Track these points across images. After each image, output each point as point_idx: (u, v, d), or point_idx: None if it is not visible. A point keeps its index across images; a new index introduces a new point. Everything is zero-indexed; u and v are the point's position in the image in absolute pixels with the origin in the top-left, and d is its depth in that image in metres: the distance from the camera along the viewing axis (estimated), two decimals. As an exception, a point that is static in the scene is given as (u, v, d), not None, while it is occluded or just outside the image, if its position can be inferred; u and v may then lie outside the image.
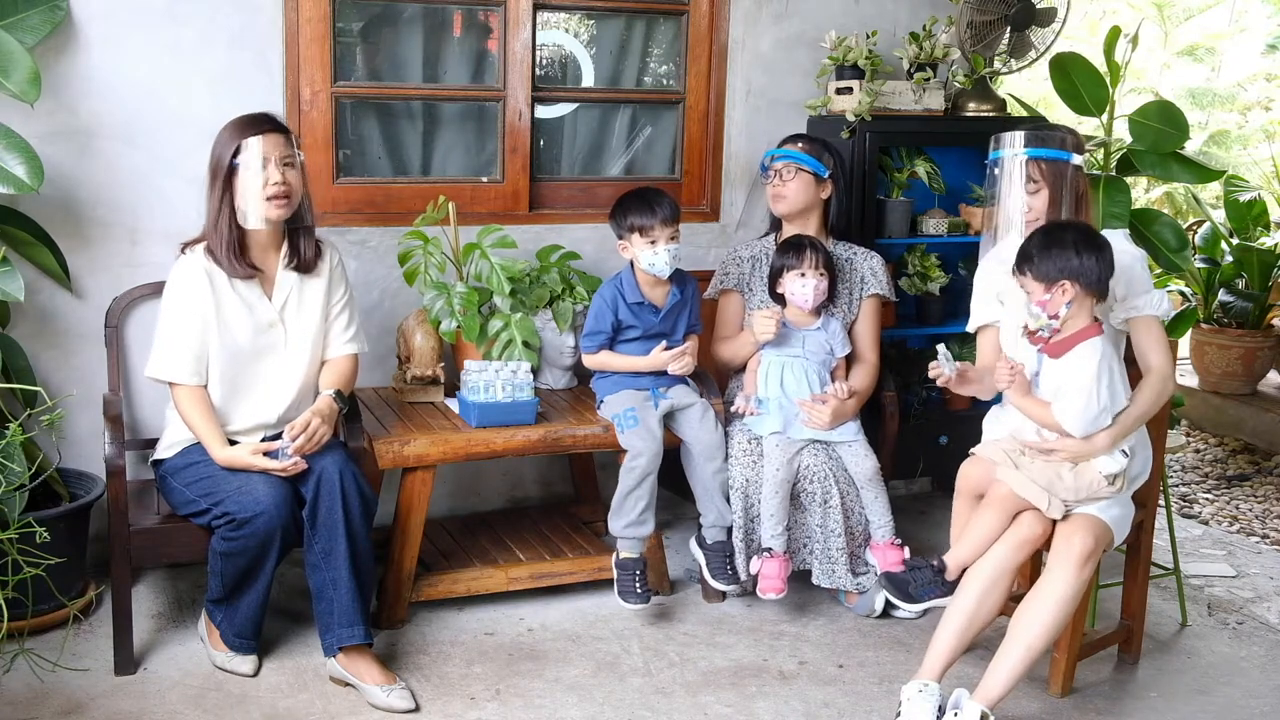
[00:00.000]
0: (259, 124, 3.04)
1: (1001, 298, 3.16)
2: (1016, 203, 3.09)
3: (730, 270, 3.85)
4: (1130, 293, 3.01)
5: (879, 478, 3.52)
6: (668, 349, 3.55)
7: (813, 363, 3.58)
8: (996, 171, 3.13)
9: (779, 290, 3.60)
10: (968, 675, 3.01)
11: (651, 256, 3.50)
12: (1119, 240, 3.10)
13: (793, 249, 3.57)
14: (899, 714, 2.85)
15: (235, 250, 3.06)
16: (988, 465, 3.02)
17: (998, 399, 3.23)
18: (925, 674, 2.88)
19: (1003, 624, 2.95)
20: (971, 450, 3.12)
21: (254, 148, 3.00)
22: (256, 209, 3.02)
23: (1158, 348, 3.01)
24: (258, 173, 3.00)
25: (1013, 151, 3.08)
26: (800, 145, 3.74)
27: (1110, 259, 2.85)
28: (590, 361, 3.65)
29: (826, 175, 3.74)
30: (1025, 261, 2.87)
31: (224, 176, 3.02)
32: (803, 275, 3.53)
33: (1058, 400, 2.88)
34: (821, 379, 3.58)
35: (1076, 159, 3.08)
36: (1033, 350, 2.96)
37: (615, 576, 3.46)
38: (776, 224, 3.89)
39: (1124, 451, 2.93)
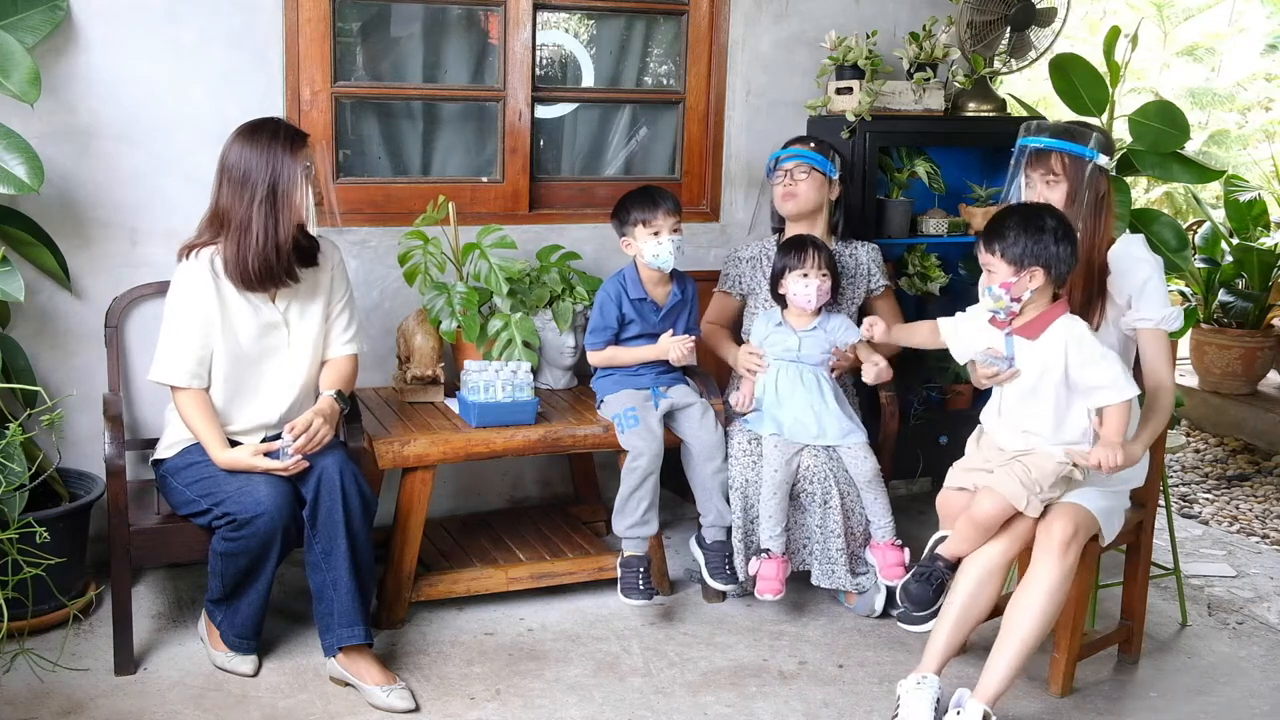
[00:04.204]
0: (298, 137, 3.04)
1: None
2: (1033, 193, 3.06)
3: (729, 272, 3.86)
4: (1147, 303, 3.00)
5: (879, 479, 3.52)
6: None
7: (808, 365, 3.56)
8: (1018, 159, 3.09)
9: (780, 291, 3.59)
10: (970, 676, 3.01)
11: (655, 247, 3.50)
12: (1138, 246, 3.08)
13: (794, 249, 3.55)
14: (897, 707, 2.86)
15: (288, 262, 3.05)
16: (956, 492, 3.02)
17: (988, 395, 3.19)
18: (924, 668, 2.90)
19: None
20: (945, 486, 3.08)
21: (311, 163, 3.03)
22: (312, 218, 3.07)
23: (1167, 363, 3.03)
24: (308, 186, 3.03)
25: (1038, 141, 3.05)
26: (811, 145, 3.74)
27: (1077, 251, 2.85)
28: (596, 359, 3.64)
29: (836, 176, 3.75)
30: (997, 239, 2.82)
31: (279, 194, 2.98)
32: (805, 276, 3.52)
33: (1098, 390, 2.82)
34: (820, 380, 3.56)
35: (1101, 159, 3.04)
36: (999, 334, 2.93)
37: (619, 574, 3.46)
38: (779, 227, 3.89)
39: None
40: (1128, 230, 3.36)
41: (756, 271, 3.81)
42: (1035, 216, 2.83)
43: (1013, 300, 2.82)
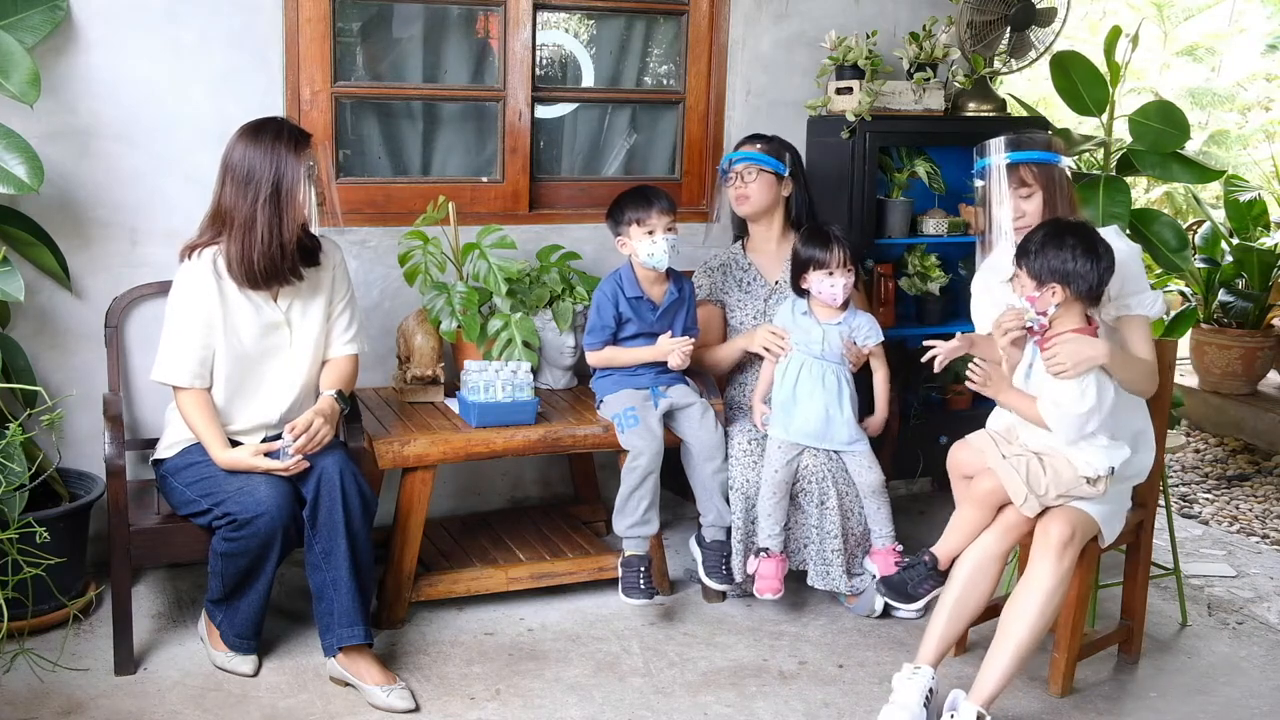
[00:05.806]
0: (302, 137, 3.04)
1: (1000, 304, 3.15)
2: (1007, 210, 3.06)
3: (702, 282, 3.86)
4: (1125, 290, 3.00)
5: (883, 490, 3.51)
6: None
7: (831, 363, 3.51)
8: (983, 181, 3.09)
9: (804, 285, 3.56)
10: (969, 676, 3.01)
11: (650, 247, 3.50)
12: (1112, 236, 3.09)
13: (818, 243, 3.50)
14: (891, 695, 2.89)
15: (292, 260, 3.05)
16: (974, 452, 3.03)
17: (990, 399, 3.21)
18: (919, 659, 2.94)
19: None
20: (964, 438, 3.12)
21: (314, 163, 3.03)
22: (314, 217, 3.08)
23: (1145, 347, 3.00)
24: (311, 185, 3.03)
25: (1002, 157, 3.05)
26: (759, 146, 3.75)
27: (1109, 267, 2.83)
28: (595, 359, 3.64)
29: (786, 173, 3.75)
30: (1023, 255, 2.86)
31: (283, 193, 2.99)
32: (830, 274, 3.49)
33: (1043, 398, 2.85)
34: (841, 382, 3.50)
35: (1065, 161, 3.07)
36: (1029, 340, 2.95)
37: (620, 574, 3.46)
38: (741, 230, 3.89)
39: (1111, 469, 2.91)
40: (1116, 226, 3.34)
41: (728, 278, 3.83)
42: (1059, 234, 2.83)
43: (1038, 313, 2.83)
